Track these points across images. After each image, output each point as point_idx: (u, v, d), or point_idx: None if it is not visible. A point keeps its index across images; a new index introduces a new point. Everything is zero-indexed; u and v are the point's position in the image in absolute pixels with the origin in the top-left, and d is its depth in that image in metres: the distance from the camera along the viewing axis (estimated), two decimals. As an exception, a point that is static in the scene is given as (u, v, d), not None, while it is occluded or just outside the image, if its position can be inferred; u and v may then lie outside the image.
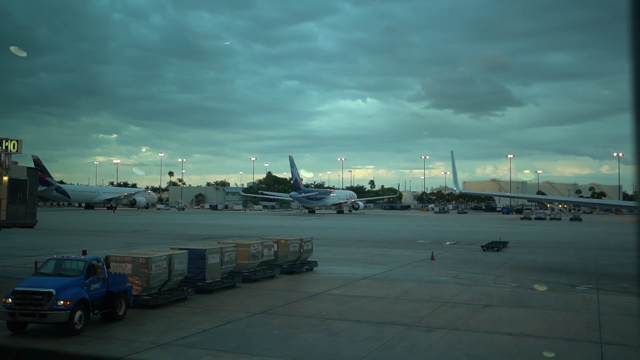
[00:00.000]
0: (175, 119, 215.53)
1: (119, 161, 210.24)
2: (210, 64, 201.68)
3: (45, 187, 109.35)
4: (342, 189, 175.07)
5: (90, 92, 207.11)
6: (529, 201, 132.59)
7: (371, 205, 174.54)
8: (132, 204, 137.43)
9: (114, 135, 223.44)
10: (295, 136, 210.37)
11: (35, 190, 22.95)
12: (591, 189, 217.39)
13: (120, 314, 13.58)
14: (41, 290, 11.94)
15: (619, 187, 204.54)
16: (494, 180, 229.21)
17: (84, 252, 14.50)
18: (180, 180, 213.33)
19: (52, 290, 11.91)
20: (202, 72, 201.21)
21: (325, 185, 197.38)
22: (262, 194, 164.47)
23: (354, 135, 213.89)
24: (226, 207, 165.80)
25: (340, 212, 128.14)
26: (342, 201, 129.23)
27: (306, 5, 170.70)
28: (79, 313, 12.05)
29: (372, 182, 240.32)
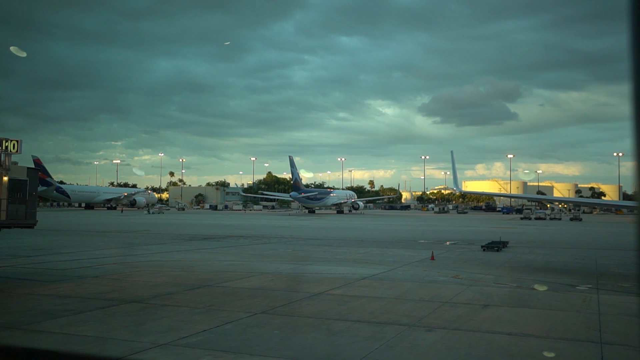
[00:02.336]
0: (177, 130, 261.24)
1: (118, 161, 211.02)
2: (209, 93, 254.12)
3: (45, 188, 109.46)
4: (342, 189, 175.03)
5: (109, 111, 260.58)
6: (529, 201, 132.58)
7: (371, 205, 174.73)
8: (132, 204, 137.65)
9: (120, 142, 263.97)
10: (286, 144, 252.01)
11: (35, 190, 22.93)
12: (591, 189, 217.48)
13: None
14: None
15: (619, 187, 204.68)
16: (493, 180, 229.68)
17: None
18: (180, 181, 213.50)
19: None
20: (201, 98, 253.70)
21: (325, 186, 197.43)
22: (262, 194, 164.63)
23: (338, 143, 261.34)
24: (226, 207, 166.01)
25: (340, 212, 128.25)
26: (342, 201, 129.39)
27: (281, 58, 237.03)
28: None
29: (371, 182, 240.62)
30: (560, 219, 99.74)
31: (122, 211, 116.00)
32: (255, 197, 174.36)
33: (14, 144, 21.09)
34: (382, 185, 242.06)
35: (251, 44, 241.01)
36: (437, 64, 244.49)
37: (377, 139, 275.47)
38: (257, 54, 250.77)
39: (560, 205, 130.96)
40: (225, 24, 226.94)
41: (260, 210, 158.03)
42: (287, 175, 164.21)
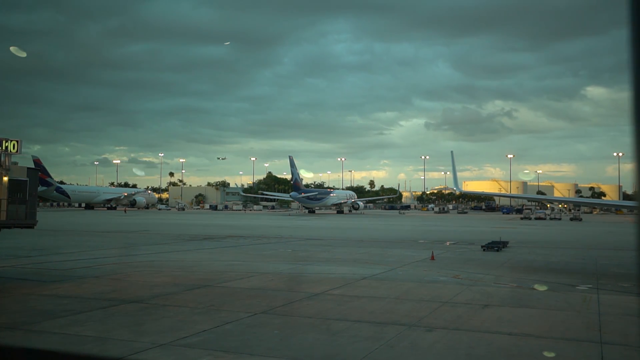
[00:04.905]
0: (179, 138, 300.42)
1: (118, 161, 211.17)
2: (207, 113, 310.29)
3: (45, 188, 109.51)
4: (342, 189, 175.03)
5: (119, 124, 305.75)
6: (529, 201, 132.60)
7: (371, 205, 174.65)
8: (132, 204, 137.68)
9: (125, 147, 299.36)
10: (277, 149, 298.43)
11: (35, 190, 22.91)
12: (591, 188, 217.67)
13: None
14: None
15: (619, 187, 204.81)
16: (493, 180, 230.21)
17: None
18: (180, 181, 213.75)
19: None
20: (201, 116, 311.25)
21: (325, 186, 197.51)
22: (262, 194, 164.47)
23: (324, 149, 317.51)
24: (226, 207, 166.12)
25: (340, 212, 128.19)
26: (342, 201, 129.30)
27: (264, 92, 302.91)
28: None
29: (371, 182, 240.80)
30: (560, 219, 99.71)
31: (125, 211, 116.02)
32: (255, 197, 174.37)
33: (14, 144, 21.07)
34: (382, 185, 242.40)
35: (240, 83, 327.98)
36: (386, 92, 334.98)
37: (356, 145, 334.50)
38: (246, 89, 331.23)
39: (560, 205, 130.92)
40: (220, 73, 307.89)
41: (260, 210, 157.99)
42: (287, 175, 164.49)
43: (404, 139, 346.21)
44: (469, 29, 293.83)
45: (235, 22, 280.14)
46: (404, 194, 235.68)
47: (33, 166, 30.01)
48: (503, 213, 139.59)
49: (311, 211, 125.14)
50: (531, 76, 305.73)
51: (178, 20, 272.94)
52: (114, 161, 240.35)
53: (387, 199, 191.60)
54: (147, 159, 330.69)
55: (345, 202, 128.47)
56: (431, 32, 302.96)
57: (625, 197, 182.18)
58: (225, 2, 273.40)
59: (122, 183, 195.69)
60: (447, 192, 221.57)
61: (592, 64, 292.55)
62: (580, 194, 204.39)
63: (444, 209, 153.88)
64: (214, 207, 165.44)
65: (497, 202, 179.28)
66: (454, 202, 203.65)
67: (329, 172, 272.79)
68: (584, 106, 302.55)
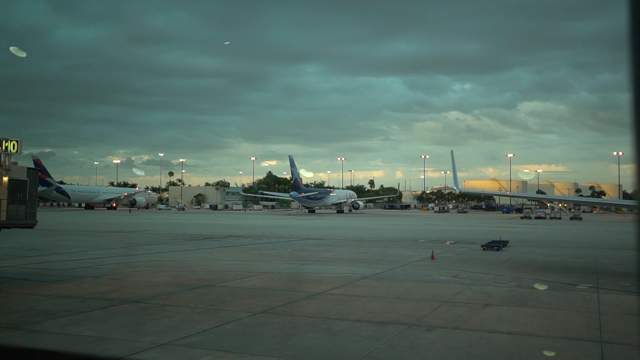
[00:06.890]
0: (180, 142, 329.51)
1: (118, 161, 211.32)
2: (207, 124, 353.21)
3: (45, 188, 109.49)
4: (342, 188, 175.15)
5: (124, 130, 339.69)
6: (529, 200, 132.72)
7: (371, 204, 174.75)
8: (132, 204, 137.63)
9: (127, 150, 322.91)
10: (277, 152, 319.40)
11: (35, 190, 22.92)
12: (591, 188, 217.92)
13: None
14: None
15: (619, 186, 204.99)
16: (494, 179, 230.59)
17: None
18: (179, 181, 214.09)
19: None
20: (202, 127, 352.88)
21: (325, 185, 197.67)
22: (262, 193, 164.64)
23: (318, 152, 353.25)
24: (226, 207, 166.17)
25: (340, 211, 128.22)
26: (342, 201, 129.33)
27: (256, 109, 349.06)
28: None
29: (371, 182, 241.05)
30: (560, 218, 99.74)
31: (130, 211, 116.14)
32: (255, 197, 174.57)
33: (13, 144, 21.08)
34: (381, 185, 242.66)
35: (235, 102, 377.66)
36: (360, 106, 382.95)
37: (345, 149, 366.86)
38: (240, 107, 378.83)
39: (560, 205, 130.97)
40: (217, 96, 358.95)
41: (260, 210, 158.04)
42: (286, 175, 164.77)
43: (387, 143, 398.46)
44: (412, 68, 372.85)
45: (231, 65, 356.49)
46: (404, 194, 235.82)
47: (33, 166, 29.99)
48: (503, 212, 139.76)
49: (311, 211, 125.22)
50: (475, 93, 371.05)
51: (187, 63, 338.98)
52: (114, 161, 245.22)
53: (387, 199, 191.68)
54: (147, 158, 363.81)
55: (345, 202, 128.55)
56: (384, 69, 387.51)
57: (625, 196, 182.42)
58: (224, 51, 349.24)
59: (122, 183, 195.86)
60: (447, 191, 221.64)
61: (521, 86, 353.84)
62: (580, 193, 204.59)
63: (444, 208, 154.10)
64: (214, 207, 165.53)
65: (497, 202, 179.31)
66: (453, 201, 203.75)
67: (328, 172, 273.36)
68: (529, 117, 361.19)
